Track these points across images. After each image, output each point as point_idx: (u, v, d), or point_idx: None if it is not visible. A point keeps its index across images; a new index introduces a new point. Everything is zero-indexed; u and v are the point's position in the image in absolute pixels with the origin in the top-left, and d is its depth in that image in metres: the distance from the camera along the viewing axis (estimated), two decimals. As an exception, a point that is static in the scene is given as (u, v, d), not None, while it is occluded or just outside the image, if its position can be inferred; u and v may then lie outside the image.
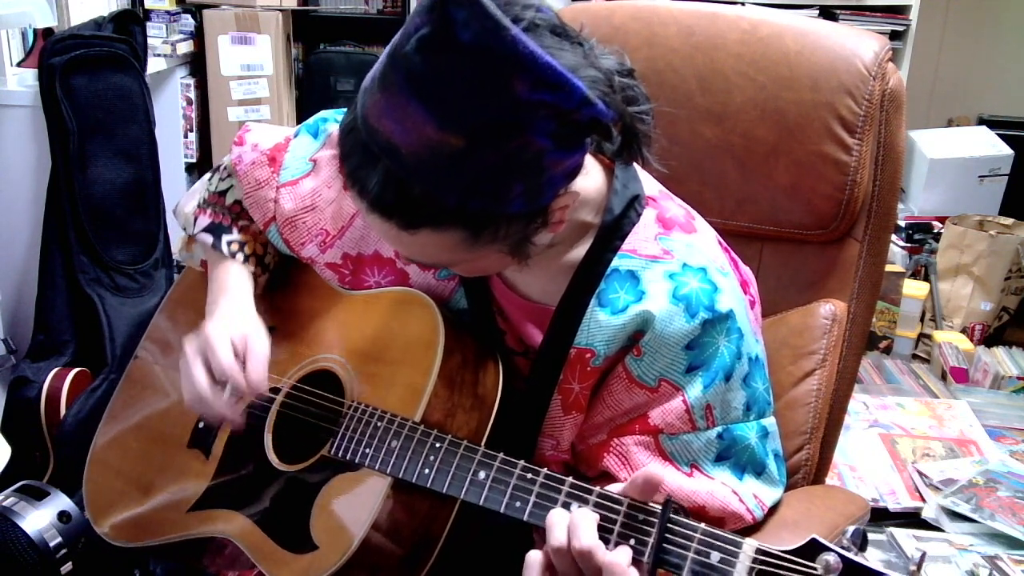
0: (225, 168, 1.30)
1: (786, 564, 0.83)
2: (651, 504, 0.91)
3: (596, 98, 0.88)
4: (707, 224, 1.14)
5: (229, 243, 1.25)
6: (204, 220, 1.28)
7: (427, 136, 0.86)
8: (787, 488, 1.17)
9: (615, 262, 1.06)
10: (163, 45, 3.00)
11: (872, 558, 0.81)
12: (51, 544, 1.79)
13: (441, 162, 0.86)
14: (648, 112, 0.98)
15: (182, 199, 1.35)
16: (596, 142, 1.01)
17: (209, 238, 1.26)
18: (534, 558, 0.92)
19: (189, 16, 3.24)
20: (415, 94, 0.85)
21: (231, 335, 1.13)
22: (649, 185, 1.12)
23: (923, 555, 0.83)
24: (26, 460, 2.18)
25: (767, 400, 1.12)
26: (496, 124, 0.85)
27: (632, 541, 0.90)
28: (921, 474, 2.19)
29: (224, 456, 1.21)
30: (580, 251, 1.08)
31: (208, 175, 1.34)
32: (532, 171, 0.89)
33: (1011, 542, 1.95)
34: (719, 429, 1.07)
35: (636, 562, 0.89)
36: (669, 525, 0.89)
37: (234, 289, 1.22)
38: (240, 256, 1.25)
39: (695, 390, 1.04)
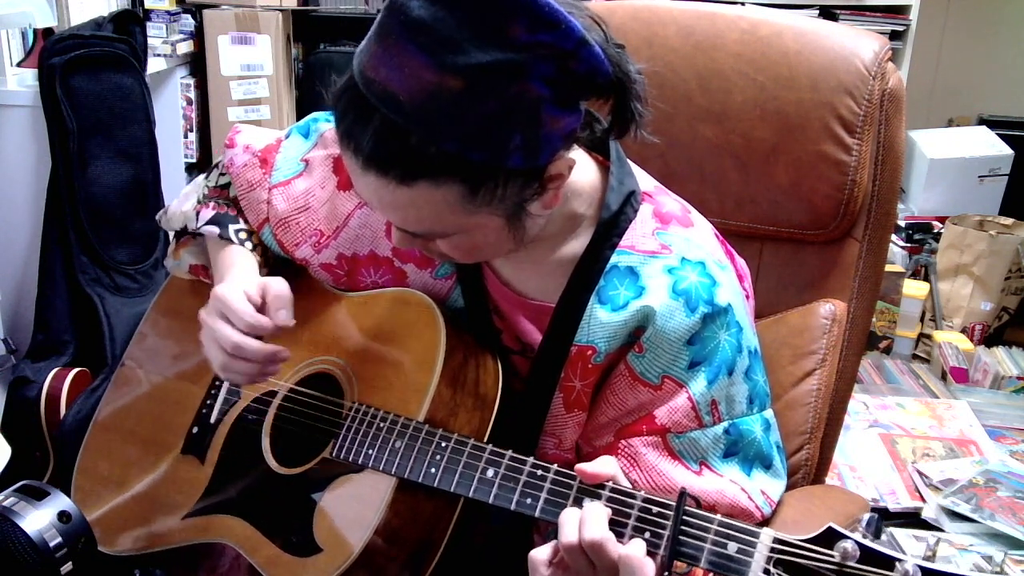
0: (223, 165, 1.29)
1: (804, 552, 0.83)
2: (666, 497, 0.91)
3: (593, 41, 0.88)
4: (703, 217, 1.14)
5: (237, 231, 1.24)
6: (207, 213, 1.26)
7: (426, 81, 0.85)
8: (787, 488, 1.17)
9: (614, 259, 1.06)
10: (163, 45, 2.99)
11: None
12: (51, 544, 1.78)
13: (440, 107, 0.85)
14: (642, 82, 0.97)
15: (172, 203, 1.33)
16: (589, 128, 1.01)
17: (215, 229, 1.24)
18: (538, 556, 0.91)
19: (189, 16, 3.23)
20: (413, 39, 0.85)
21: (244, 288, 1.10)
22: (644, 180, 1.12)
23: (937, 540, 0.83)
24: (26, 460, 2.18)
25: (766, 392, 1.13)
26: (495, 67, 0.85)
27: (647, 534, 0.90)
28: (921, 474, 2.19)
29: (220, 461, 1.20)
30: (573, 246, 1.07)
31: (202, 176, 1.32)
32: (530, 122, 0.88)
33: (1011, 542, 1.95)
34: (725, 424, 1.07)
35: (652, 555, 0.88)
36: (684, 517, 0.89)
37: (240, 263, 1.20)
38: (248, 244, 1.23)
39: (699, 386, 1.04)
